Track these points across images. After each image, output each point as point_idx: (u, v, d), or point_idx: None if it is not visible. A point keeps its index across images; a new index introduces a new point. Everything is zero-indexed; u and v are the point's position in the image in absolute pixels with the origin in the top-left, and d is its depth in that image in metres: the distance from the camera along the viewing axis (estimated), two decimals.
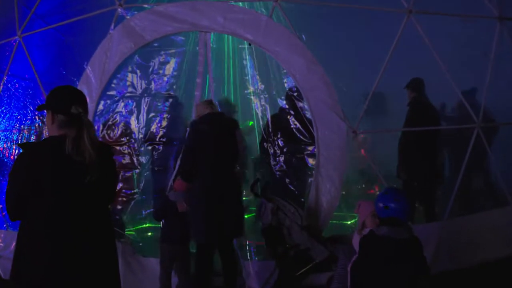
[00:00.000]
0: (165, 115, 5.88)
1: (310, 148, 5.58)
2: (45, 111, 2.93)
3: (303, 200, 5.47)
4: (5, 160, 6.62)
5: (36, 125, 6.29)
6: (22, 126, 6.46)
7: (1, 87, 6.73)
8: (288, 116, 5.72)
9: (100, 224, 2.90)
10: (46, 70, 6.32)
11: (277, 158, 5.60)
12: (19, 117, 6.53)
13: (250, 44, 5.72)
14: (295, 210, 4.83)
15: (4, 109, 6.68)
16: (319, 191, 5.45)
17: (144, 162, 5.82)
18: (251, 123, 6.16)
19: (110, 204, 3.15)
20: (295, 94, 5.74)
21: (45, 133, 6.15)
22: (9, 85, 6.71)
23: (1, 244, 6.27)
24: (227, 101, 6.34)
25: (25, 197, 2.72)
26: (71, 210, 2.76)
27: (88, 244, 2.79)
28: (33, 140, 6.23)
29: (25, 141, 6.41)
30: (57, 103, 2.86)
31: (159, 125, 5.82)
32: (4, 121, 6.66)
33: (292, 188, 5.56)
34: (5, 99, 6.74)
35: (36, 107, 3.24)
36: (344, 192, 5.74)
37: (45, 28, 6.38)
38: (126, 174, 5.76)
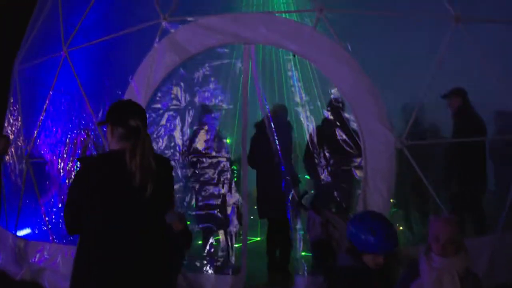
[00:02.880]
0: (208, 128, 5.85)
1: (357, 160, 5.47)
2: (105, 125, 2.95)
3: (351, 214, 5.34)
4: (51, 173, 6.73)
5: (81, 138, 6.36)
6: (67, 140, 6.56)
7: (47, 102, 6.87)
8: (334, 128, 5.64)
9: (155, 240, 2.87)
10: (91, 84, 6.44)
11: (323, 170, 5.51)
12: (64, 130, 6.61)
13: (294, 55, 5.68)
14: (344, 223, 4.72)
15: (50, 123, 6.80)
16: (367, 204, 5.34)
17: (189, 175, 5.80)
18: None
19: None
20: (341, 104, 5.66)
21: (90, 147, 6.23)
22: (55, 99, 6.83)
23: (47, 257, 6.37)
24: (283, 106, 6.25)
25: (81, 211, 2.72)
26: (126, 225, 2.76)
27: (140, 263, 2.76)
28: (79, 154, 6.31)
29: (73, 155, 6.50)
30: (116, 116, 2.91)
31: (203, 137, 5.79)
32: (51, 134, 6.78)
33: (339, 200, 5.45)
34: (50, 112, 6.88)
35: (97, 122, 3.27)
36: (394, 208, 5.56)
37: (90, 43, 6.46)
38: None
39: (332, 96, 5.70)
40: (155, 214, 2.90)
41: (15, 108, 7.82)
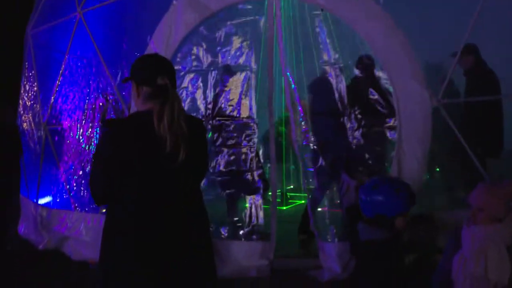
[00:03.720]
0: (232, 89, 5.57)
1: (391, 120, 5.18)
2: (129, 83, 2.68)
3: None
4: (70, 139, 6.55)
5: (100, 103, 6.14)
6: (85, 105, 6.35)
7: (63, 67, 6.63)
8: (365, 86, 5.34)
9: (192, 206, 2.65)
10: (107, 47, 6.22)
11: (355, 132, 5.24)
12: (82, 96, 6.39)
13: (322, 10, 5.32)
14: None
15: (67, 88, 6.59)
16: (401, 168, 5.07)
17: (214, 139, 5.57)
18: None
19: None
20: (371, 62, 5.35)
21: (110, 112, 6.01)
22: (71, 63, 6.59)
23: (70, 225, 6.25)
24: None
25: (112, 178, 2.49)
26: (160, 191, 2.53)
27: (180, 230, 2.54)
28: (99, 119, 6.10)
29: (92, 120, 6.29)
30: (142, 73, 2.61)
31: (227, 100, 5.53)
32: (68, 100, 6.57)
33: (371, 164, 5.19)
34: (67, 78, 6.65)
35: (122, 79, 2.98)
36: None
37: (105, 3, 6.15)
38: None
39: (362, 53, 5.36)
40: (191, 181, 2.67)
41: (30, 74, 7.60)
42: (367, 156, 5.25)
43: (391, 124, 5.26)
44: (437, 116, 5.11)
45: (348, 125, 5.31)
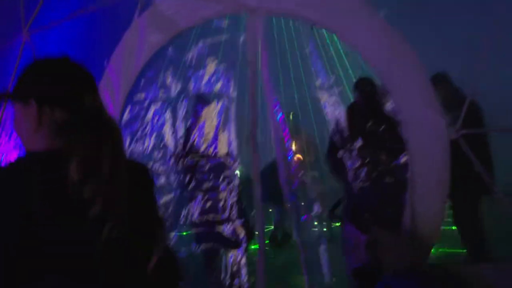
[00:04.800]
0: (207, 122, 4.63)
1: (401, 156, 4.26)
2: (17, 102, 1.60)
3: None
4: None
5: None
6: None
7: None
8: (366, 115, 4.43)
9: None
10: None
11: (358, 171, 4.30)
12: None
13: (312, 27, 4.46)
14: (401, 243, 3.54)
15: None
16: (416, 212, 4.15)
17: (186, 182, 4.59)
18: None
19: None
20: (372, 85, 4.51)
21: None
22: None
23: None
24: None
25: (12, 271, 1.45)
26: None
27: None
28: None
29: None
30: (53, 87, 1.57)
31: (202, 134, 4.58)
32: None
33: (379, 210, 4.24)
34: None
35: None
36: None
37: (55, 23, 5.19)
38: (162, 200, 4.55)
39: (365, 73, 4.50)
40: (136, 263, 1.65)
41: None
42: (372, 200, 4.29)
43: (400, 160, 4.34)
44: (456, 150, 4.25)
45: (349, 163, 4.37)
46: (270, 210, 7.09)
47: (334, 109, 4.49)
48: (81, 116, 1.51)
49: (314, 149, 5.76)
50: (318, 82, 4.55)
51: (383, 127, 4.35)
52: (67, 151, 1.46)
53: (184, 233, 4.87)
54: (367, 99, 4.57)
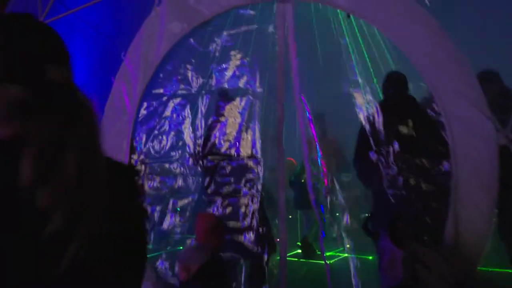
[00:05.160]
0: (230, 120, 4.26)
1: (445, 164, 3.82)
2: None
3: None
4: None
5: None
6: None
7: None
8: (405, 116, 3.99)
9: None
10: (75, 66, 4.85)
11: (394, 178, 3.87)
12: None
13: (348, 16, 4.05)
14: (442, 259, 3.12)
15: None
16: (460, 225, 3.72)
17: (205, 184, 4.23)
18: None
19: None
20: (404, 81, 4.11)
21: None
22: None
23: None
24: None
25: None
26: None
27: None
28: None
29: None
30: (5, 54, 1.15)
31: (223, 133, 4.21)
32: None
33: (417, 222, 3.80)
34: None
35: None
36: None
37: (70, 12, 4.90)
38: (179, 203, 4.20)
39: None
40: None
41: None
42: (409, 211, 3.85)
43: (442, 167, 3.89)
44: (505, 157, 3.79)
45: (383, 168, 3.94)
46: (290, 216, 6.65)
47: (367, 108, 4.06)
48: (41, 95, 1.13)
49: (343, 152, 5.35)
50: (352, 78, 4.13)
51: (423, 129, 3.91)
52: (20, 141, 1.09)
53: None
54: (402, 96, 4.13)
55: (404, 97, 4.22)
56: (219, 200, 4.21)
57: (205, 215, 4.04)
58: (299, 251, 6.40)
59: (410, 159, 3.94)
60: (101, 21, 4.85)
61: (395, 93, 4.26)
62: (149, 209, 4.30)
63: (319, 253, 5.42)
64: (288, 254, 4.18)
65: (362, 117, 4.04)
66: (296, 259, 6.11)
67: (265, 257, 4.14)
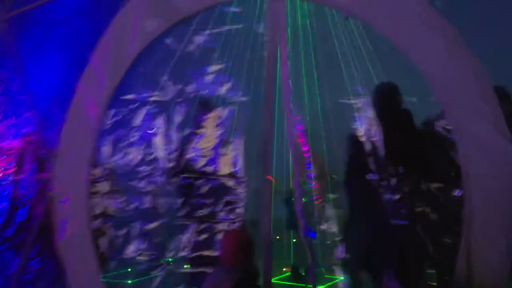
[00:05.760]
0: (209, 132, 3.71)
1: (455, 188, 3.29)
2: None
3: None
4: None
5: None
6: None
7: None
8: (409, 133, 3.47)
9: None
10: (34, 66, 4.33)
11: (397, 205, 3.32)
12: None
13: (347, 18, 3.54)
14: None
15: None
16: (472, 265, 3.17)
17: (177, 206, 3.65)
18: None
19: None
20: (396, 91, 3.64)
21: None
22: None
23: None
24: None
25: None
26: None
27: None
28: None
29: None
30: None
31: (202, 147, 3.66)
32: None
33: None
34: None
35: None
36: None
37: (35, 4, 4.35)
38: (147, 227, 3.62)
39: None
40: None
41: None
42: (419, 247, 3.29)
43: (454, 195, 3.36)
44: None
45: (386, 195, 3.39)
46: (278, 237, 6.06)
47: (367, 121, 3.53)
48: None
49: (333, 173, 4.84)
50: (352, 88, 3.61)
51: (430, 148, 3.37)
52: None
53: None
54: (398, 110, 3.61)
55: (399, 111, 3.68)
56: (193, 225, 3.63)
57: (233, 233, 3.46)
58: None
59: (416, 183, 3.39)
60: (69, 14, 4.31)
61: (390, 107, 3.72)
62: (111, 232, 3.73)
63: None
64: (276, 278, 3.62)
65: (360, 132, 3.51)
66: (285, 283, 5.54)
67: None
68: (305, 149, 3.81)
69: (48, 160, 3.99)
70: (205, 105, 3.85)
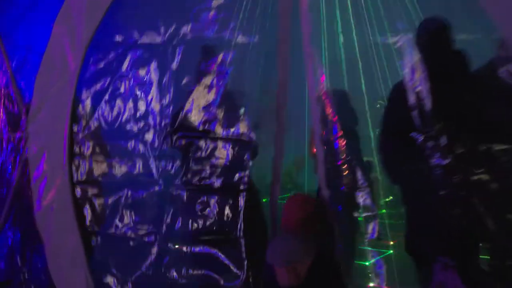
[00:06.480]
0: (210, 83, 3.07)
1: None
2: None
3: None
4: None
5: None
6: None
7: None
8: (465, 80, 2.77)
9: None
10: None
11: (452, 175, 2.62)
12: None
13: None
14: None
15: None
16: None
17: (173, 172, 3.05)
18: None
19: None
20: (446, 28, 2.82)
21: None
22: None
23: None
24: None
25: None
26: None
27: None
28: None
29: None
30: None
31: (201, 101, 3.00)
32: None
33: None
34: None
35: None
36: None
37: None
38: (138, 196, 3.05)
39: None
40: None
41: None
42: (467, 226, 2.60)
43: None
44: None
45: (434, 158, 2.69)
46: None
47: (409, 66, 2.81)
48: None
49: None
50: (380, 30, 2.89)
51: (494, 100, 2.64)
52: None
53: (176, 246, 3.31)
54: (449, 53, 2.86)
55: (451, 53, 2.92)
56: (192, 196, 3.01)
57: (297, 199, 2.83)
58: None
59: (472, 144, 2.67)
60: None
61: (439, 47, 2.96)
62: (94, 202, 3.15)
63: None
64: None
65: (404, 78, 2.79)
66: None
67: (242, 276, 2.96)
68: (330, 109, 3.13)
69: (21, 117, 3.41)
70: (206, 50, 3.18)
